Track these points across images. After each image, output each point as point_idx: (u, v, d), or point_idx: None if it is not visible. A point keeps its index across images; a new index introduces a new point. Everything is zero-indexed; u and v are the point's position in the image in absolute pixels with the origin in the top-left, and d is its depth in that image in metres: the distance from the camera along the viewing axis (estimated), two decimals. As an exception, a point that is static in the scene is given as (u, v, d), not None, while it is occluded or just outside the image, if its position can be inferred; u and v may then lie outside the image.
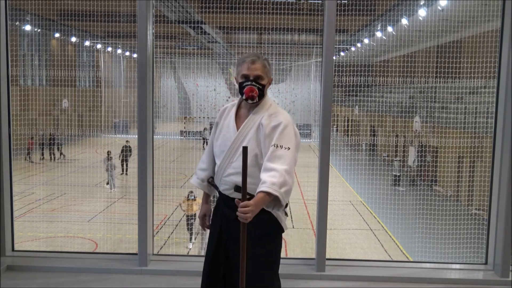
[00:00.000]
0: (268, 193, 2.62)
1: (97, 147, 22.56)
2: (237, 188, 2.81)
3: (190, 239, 13.09)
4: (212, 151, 3.06)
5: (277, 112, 2.86)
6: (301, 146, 2.91)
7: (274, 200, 2.68)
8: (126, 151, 20.88)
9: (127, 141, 21.26)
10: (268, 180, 2.65)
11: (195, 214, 12.80)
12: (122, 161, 20.80)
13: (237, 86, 2.91)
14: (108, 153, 18.89)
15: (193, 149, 28.20)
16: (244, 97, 2.87)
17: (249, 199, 2.57)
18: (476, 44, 14.28)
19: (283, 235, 2.96)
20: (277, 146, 2.72)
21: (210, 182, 3.06)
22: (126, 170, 20.83)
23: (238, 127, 2.89)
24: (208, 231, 3.12)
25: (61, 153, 22.68)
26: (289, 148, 2.73)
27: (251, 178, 2.70)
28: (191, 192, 13.24)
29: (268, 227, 2.82)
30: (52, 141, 22.26)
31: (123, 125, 27.92)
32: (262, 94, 2.85)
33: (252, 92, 2.81)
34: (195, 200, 12.96)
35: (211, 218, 3.09)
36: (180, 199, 15.95)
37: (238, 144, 2.85)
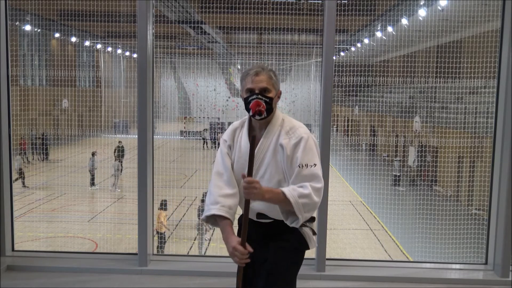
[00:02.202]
0: (284, 194, 2.46)
1: (97, 147, 22.53)
2: (259, 216, 2.67)
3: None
4: (232, 174, 2.69)
5: (293, 126, 2.63)
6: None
7: (288, 207, 2.50)
8: (119, 151, 20.79)
9: (119, 141, 21.14)
10: (292, 187, 2.51)
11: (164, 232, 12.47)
12: (115, 161, 20.72)
13: (243, 102, 2.65)
14: (93, 154, 19.03)
15: (193, 149, 28.22)
16: (251, 113, 2.60)
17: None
18: (476, 44, 14.28)
19: None
20: (302, 166, 2.51)
21: None
22: (121, 171, 20.74)
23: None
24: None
25: (46, 155, 22.43)
26: (315, 165, 2.53)
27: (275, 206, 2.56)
28: (164, 201, 12.81)
29: (293, 243, 2.66)
30: (43, 141, 22.14)
31: (123, 125, 27.92)
32: (270, 108, 2.58)
33: (259, 107, 2.54)
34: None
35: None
36: (179, 200, 15.96)
37: (255, 171, 2.59)
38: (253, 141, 2.43)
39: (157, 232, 12.33)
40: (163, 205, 12.55)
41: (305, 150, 2.54)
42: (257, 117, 2.59)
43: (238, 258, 2.48)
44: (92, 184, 18.68)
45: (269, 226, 2.68)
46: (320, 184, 2.51)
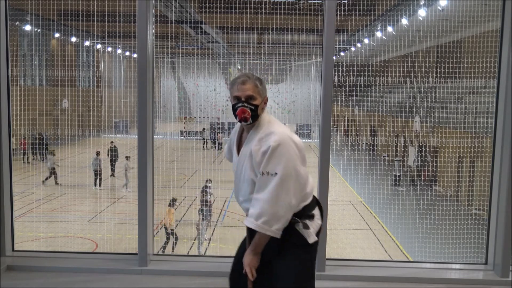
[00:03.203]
0: (249, 229, 2.67)
1: (98, 147, 22.56)
2: (248, 229, 2.80)
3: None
4: None
5: (269, 133, 2.70)
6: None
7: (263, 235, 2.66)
8: (112, 152, 20.72)
9: (112, 141, 21.06)
10: (250, 213, 2.67)
11: (173, 230, 12.92)
12: (110, 162, 20.63)
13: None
14: (98, 153, 19.07)
15: (193, 149, 28.23)
16: (237, 120, 2.79)
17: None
18: (476, 44, 14.29)
19: None
20: (263, 173, 2.64)
21: None
22: (114, 171, 20.70)
23: (239, 152, 2.87)
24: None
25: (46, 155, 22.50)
26: (275, 174, 2.60)
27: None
28: (173, 199, 13.39)
29: (288, 241, 2.73)
30: (42, 141, 22.13)
31: (123, 125, 27.95)
32: (256, 115, 2.75)
33: (244, 114, 2.73)
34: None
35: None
36: (179, 200, 15.95)
37: (239, 173, 2.82)
38: None
39: (164, 227, 12.87)
40: (173, 202, 13.16)
41: (269, 158, 2.63)
42: (243, 123, 2.78)
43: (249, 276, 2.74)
44: (99, 184, 18.71)
45: None
46: (271, 194, 2.61)
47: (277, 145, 2.62)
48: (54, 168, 18.97)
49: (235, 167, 2.87)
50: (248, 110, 2.73)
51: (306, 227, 2.75)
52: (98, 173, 18.65)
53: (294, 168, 2.65)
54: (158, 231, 13.28)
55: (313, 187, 2.84)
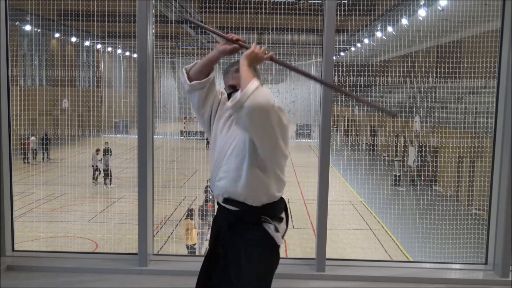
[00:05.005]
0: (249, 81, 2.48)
1: (98, 147, 22.57)
2: (226, 201, 2.72)
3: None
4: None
5: None
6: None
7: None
8: (106, 153, 20.72)
9: (106, 142, 21.05)
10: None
11: (195, 245, 11.36)
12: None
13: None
14: (97, 150, 19.21)
15: (193, 149, 28.20)
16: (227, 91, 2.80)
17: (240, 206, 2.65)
18: (476, 44, 14.27)
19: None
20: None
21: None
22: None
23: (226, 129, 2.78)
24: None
25: (48, 157, 22.60)
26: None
27: (244, 186, 2.65)
28: (192, 209, 11.80)
29: (263, 245, 2.69)
30: (46, 141, 22.18)
31: (123, 125, 27.92)
32: None
33: None
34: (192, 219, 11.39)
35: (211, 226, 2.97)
36: (179, 200, 15.94)
37: (227, 147, 2.73)
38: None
39: (186, 246, 11.38)
40: (190, 214, 11.66)
41: None
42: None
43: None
44: (109, 182, 18.87)
45: (236, 215, 2.72)
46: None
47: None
48: (97, 166, 19.33)
49: (221, 143, 2.75)
50: None
51: (277, 230, 2.73)
52: (96, 169, 19.06)
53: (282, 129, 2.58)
54: (158, 231, 13.28)
55: (283, 189, 2.81)
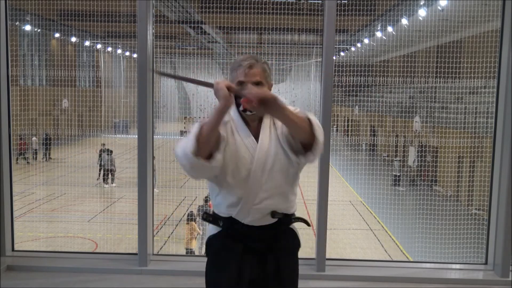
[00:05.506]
0: (303, 118, 2.34)
1: (98, 147, 22.57)
2: (273, 214, 2.47)
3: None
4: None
5: None
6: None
7: (302, 128, 2.31)
8: (104, 153, 20.67)
9: (103, 144, 20.96)
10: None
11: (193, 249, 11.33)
12: (99, 166, 20.61)
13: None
14: (102, 149, 19.16)
15: (193, 149, 28.12)
16: (241, 109, 2.38)
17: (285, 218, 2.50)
18: (476, 44, 14.27)
19: None
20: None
21: (205, 218, 2.56)
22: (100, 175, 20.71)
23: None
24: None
25: (49, 157, 22.56)
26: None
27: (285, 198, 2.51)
28: (192, 213, 11.71)
29: (294, 244, 2.62)
30: (47, 141, 22.15)
31: (123, 125, 27.92)
32: None
33: (251, 103, 2.24)
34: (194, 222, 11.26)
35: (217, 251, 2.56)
36: (179, 200, 15.93)
37: (267, 165, 2.40)
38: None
39: (186, 249, 11.28)
40: (192, 216, 11.58)
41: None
42: (248, 113, 2.38)
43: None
44: (112, 180, 18.85)
45: (271, 228, 2.52)
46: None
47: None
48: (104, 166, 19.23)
49: (254, 162, 2.40)
50: None
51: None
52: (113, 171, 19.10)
53: None
54: (158, 231, 13.28)
55: None
